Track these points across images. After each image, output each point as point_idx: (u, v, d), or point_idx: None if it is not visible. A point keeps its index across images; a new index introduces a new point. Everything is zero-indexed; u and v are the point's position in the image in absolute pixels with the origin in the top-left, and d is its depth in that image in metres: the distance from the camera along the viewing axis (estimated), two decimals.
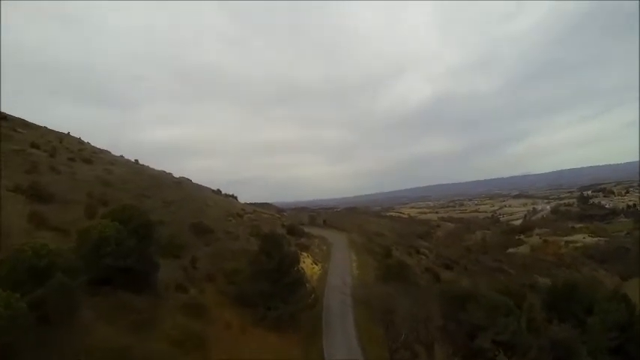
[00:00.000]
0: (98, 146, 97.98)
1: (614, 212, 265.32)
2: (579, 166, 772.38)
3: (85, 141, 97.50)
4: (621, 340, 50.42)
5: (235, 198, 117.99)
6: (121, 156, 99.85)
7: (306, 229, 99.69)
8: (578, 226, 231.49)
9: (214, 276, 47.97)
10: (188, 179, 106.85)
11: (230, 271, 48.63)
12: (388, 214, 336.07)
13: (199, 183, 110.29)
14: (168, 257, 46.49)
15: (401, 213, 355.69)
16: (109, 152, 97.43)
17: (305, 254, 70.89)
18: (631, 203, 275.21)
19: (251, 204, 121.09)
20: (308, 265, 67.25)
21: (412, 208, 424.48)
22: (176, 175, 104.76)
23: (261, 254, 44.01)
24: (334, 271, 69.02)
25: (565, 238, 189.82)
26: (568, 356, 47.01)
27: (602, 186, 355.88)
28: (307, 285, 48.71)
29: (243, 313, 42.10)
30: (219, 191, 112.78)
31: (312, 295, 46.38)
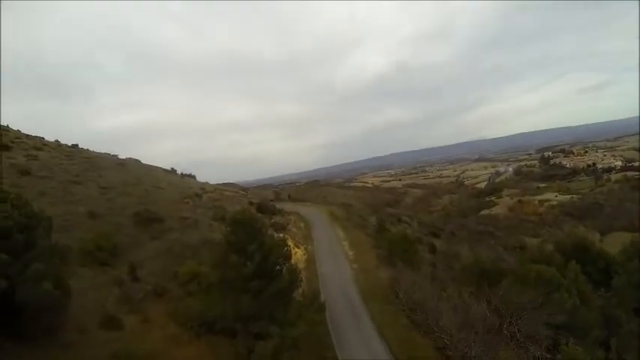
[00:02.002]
0: (34, 134, 77.82)
1: (574, 171, 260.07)
2: (533, 130, 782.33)
3: (15, 128, 76.74)
4: None
5: (194, 177, 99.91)
6: (56, 141, 79.45)
7: (278, 206, 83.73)
8: (542, 185, 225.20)
9: (165, 289, 31.12)
10: (136, 160, 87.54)
11: (188, 277, 31.73)
12: (352, 184, 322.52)
13: (150, 164, 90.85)
14: (93, 268, 31.29)
15: (365, 182, 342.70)
16: (43, 138, 77.05)
17: (283, 235, 55.07)
18: (590, 162, 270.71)
19: (213, 184, 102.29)
20: None
21: (375, 177, 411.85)
22: (123, 156, 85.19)
23: (230, 251, 26.05)
24: (323, 255, 53.01)
25: (537, 197, 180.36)
26: (614, 327, 37.42)
27: (562, 147, 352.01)
28: (301, 287, 31.37)
29: (216, 349, 25.55)
30: (173, 171, 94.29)
31: (318, 304, 28.73)
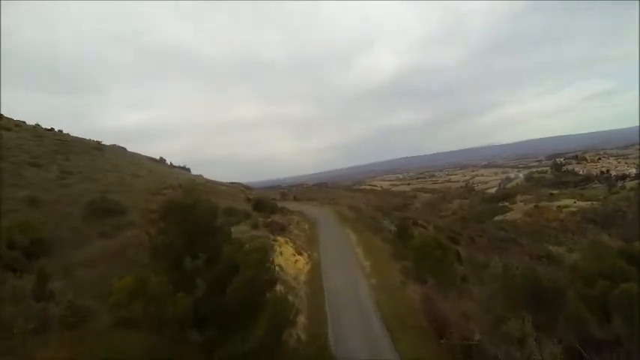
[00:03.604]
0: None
1: (588, 178, 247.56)
2: (542, 137, 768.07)
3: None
4: None
5: (187, 170, 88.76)
6: (37, 124, 68.10)
7: (280, 205, 72.72)
8: (555, 192, 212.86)
9: (87, 314, 18.68)
10: (122, 147, 76.37)
11: (125, 297, 18.16)
12: (360, 187, 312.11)
13: (137, 152, 79.74)
14: None
15: (374, 186, 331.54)
16: (24, 122, 66.14)
17: (281, 239, 43.01)
18: (604, 169, 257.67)
19: (207, 178, 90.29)
20: (287, 255, 39.40)
21: (383, 180, 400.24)
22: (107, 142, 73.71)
23: (156, 266, 13.50)
24: (331, 265, 40.12)
25: (555, 203, 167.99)
26: None
27: (574, 153, 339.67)
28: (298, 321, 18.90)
29: None
30: (162, 161, 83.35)
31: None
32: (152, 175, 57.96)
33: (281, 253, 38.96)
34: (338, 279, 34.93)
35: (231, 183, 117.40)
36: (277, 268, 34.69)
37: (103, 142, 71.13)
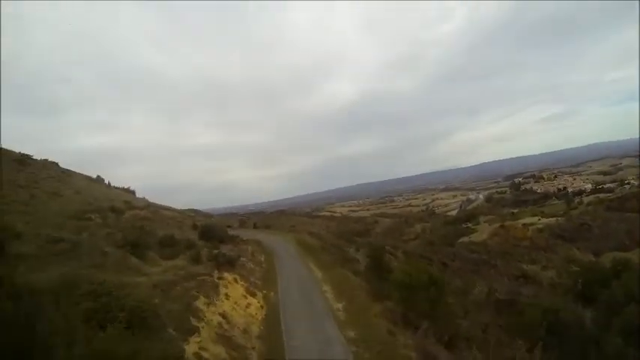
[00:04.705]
0: None
1: (546, 196, 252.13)
2: (497, 159, 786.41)
3: None
4: None
5: (132, 192, 79.35)
6: None
7: (237, 233, 65.15)
8: (515, 211, 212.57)
9: None
10: (54, 163, 65.79)
11: None
12: (319, 214, 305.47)
13: (70, 169, 69.30)
14: None
15: (333, 212, 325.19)
16: None
17: (229, 276, 34.19)
18: (561, 187, 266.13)
19: (149, 201, 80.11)
20: (236, 298, 30.59)
21: (342, 207, 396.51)
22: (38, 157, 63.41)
23: None
24: (294, 311, 30.53)
25: (520, 222, 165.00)
26: None
27: (531, 173, 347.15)
28: None
29: None
30: (99, 180, 74.11)
31: None
32: (79, 195, 48.85)
33: (227, 296, 30.14)
34: (303, 331, 25.96)
35: (186, 210, 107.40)
36: (220, 319, 26.11)
37: (32, 156, 61.13)
